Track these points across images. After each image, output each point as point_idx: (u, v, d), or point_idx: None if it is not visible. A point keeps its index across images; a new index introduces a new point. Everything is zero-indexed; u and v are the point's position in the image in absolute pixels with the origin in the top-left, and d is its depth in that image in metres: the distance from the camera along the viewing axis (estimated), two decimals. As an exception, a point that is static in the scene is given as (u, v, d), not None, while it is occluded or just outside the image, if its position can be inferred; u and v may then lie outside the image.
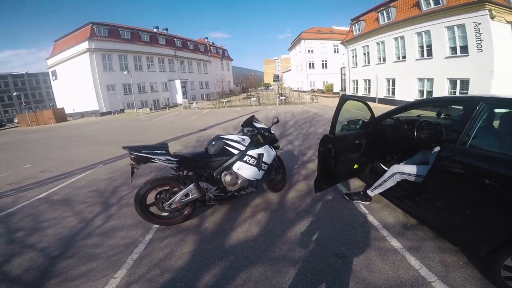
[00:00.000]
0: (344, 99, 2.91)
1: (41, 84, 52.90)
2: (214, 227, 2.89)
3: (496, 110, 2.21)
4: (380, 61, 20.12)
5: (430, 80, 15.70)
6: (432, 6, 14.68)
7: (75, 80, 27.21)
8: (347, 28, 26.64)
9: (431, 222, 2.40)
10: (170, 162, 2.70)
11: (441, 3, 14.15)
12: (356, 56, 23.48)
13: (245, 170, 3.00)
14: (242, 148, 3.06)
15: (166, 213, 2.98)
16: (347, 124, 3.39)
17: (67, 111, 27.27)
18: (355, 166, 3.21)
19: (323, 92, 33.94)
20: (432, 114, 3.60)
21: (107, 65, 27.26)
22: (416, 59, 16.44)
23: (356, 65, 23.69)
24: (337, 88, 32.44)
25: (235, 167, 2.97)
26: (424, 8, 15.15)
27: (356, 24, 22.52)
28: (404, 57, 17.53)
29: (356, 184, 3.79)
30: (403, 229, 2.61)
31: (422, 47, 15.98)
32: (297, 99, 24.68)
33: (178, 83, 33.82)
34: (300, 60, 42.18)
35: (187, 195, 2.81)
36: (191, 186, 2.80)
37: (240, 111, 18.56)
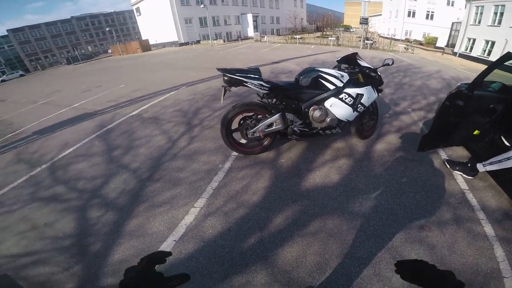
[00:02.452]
0: (509, 56, 2.24)
1: (127, 20, 59.10)
2: (291, 165, 2.81)
3: None
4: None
5: None
6: None
7: (157, 14, 29.43)
8: None
9: None
10: (262, 87, 2.58)
11: None
12: (481, 13, 19.31)
13: (338, 109, 2.76)
14: (339, 84, 2.75)
15: (245, 141, 2.99)
16: (483, 84, 2.71)
17: (150, 42, 30.87)
18: (476, 132, 2.69)
19: (421, 44, 28.39)
20: None
21: (184, 0, 28.37)
22: None
23: (479, 23, 19.48)
24: (441, 43, 26.37)
25: (327, 103, 2.75)
26: None
27: None
28: None
29: (459, 152, 3.19)
30: (503, 216, 2.19)
31: None
32: (387, 45, 21.14)
33: (250, 17, 33.67)
34: (396, 6, 34.65)
35: (271, 124, 2.72)
36: (277, 116, 2.69)
37: (314, 49, 17.01)
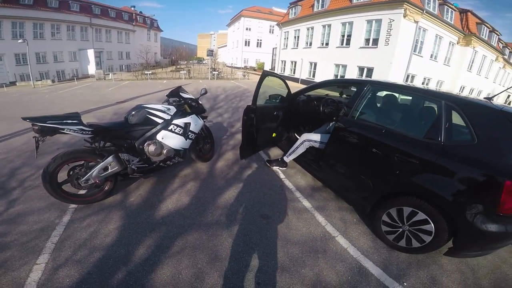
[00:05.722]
0: (264, 74, 3.17)
1: None
2: (141, 201, 2.78)
3: (379, 92, 2.79)
4: (307, 45, 21.80)
5: (344, 66, 18.11)
6: (362, -1, 16.33)
7: None
8: (285, 11, 27.57)
9: (331, 183, 2.91)
10: (84, 132, 2.39)
11: (370, -3, 15.88)
12: (287, 38, 24.77)
13: (170, 140, 2.93)
14: (167, 117, 2.95)
15: (84, 191, 2.72)
16: (269, 98, 3.72)
17: None
18: (273, 134, 3.63)
19: (255, 70, 34.69)
20: (336, 94, 4.29)
21: None
22: (337, 47, 18.51)
23: (287, 47, 25.06)
24: (267, 67, 33.81)
25: (159, 136, 2.87)
26: (354, 0, 16.78)
27: (294, 8, 23.48)
28: (327, 43, 19.45)
29: (276, 153, 4.28)
30: (311, 191, 3.12)
31: (343, 36, 17.97)
32: (230, 74, 24.52)
33: (91, 53, 29.18)
34: (237, 37, 41.72)
35: (105, 168, 2.57)
36: (110, 158, 2.56)
37: (166, 84, 17.31)
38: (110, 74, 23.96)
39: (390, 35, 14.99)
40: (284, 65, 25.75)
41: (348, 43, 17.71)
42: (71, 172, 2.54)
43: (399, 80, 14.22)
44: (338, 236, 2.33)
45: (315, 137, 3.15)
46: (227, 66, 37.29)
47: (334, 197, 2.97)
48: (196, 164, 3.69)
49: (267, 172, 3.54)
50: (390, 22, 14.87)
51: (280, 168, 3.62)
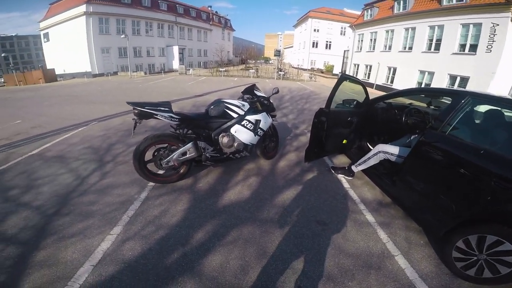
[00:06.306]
0: (343, 77, 3.03)
1: (30, 46, 52.26)
2: (208, 188, 3.02)
3: (480, 107, 2.37)
4: (385, 49, 19.95)
5: (431, 74, 15.73)
6: (454, 1, 14.29)
7: (68, 42, 26.51)
8: (358, 12, 26.09)
9: (403, 200, 2.63)
10: (173, 119, 2.74)
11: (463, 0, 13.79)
12: (362, 41, 23.28)
13: (241, 134, 3.12)
14: (241, 112, 3.16)
15: (162, 171, 3.07)
16: (342, 103, 3.53)
17: (57, 72, 26.43)
18: (344, 141, 3.43)
19: (322, 72, 33.58)
20: (423, 104, 3.77)
21: (103, 29, 26.38)
22: (422, 52, 16.31)
23: (361, 49, 23.52)
24: (337, 70, 32.20)
25: (232, 130, 3.09)
26: (444, 2, 14.74)
27: (369, 10, 22.05)
28: (410, 48, 17.36)
29: (342, 160, 4.03)
30: (378, 205, 2.86)
31: (431, 40, 15.75)
32: (296, 75, 24.33)
33: (176, 49, 32.91)
34: (304, 38, 41.03)
35: (184, 153, 2.87)
36: (190, 144, 2.86)
37: (237, 81, 18.28)
38: (190, 69, 26.91)
39: (493, 41, 12.36)
40: (357, 69, 24.15)
41: (437, 48, 15.36)
42: (155, 153, 2.91)
43: (503, 93, 11.57)
44: (398, 256, 2.14)
45: (392, 149, 2.86)
46: (293, 67, 37.14)
47: (402, 216, 2.68)
48: (259, 160, 3.80)
49: (330, 179, 3.38)
50: (494, 26, 12.29)
51: (346, 176, 3.41)
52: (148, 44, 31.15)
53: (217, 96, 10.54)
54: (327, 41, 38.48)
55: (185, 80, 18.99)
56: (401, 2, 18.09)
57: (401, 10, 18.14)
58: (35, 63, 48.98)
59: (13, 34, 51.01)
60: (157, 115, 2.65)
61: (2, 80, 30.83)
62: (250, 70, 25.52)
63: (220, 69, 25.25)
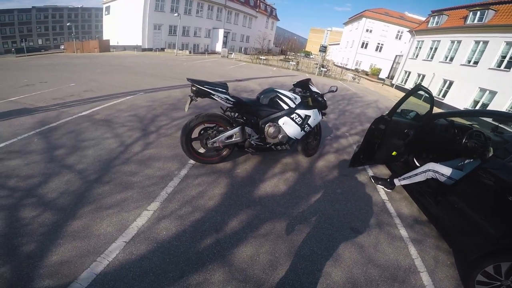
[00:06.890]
0: (418, 87, 2.88)
1: (92, 17, 56.26)
2: (245, 175, 3.02)
3: None
4: (446, 60, 18.21)
5: (493, 93, 14.07)
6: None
7: (126, 16, 28.46)
8: (422, 18, 24.15)
9: (441, 221, 2.52)
10: (228, 101, 2.76)
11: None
12: (420, 48, 21.54)
13: (288, 127, 3.09)
14: (292, 105, 3.12)
15: (203, 150, 3.11)
16: (400, 113, 3.36)
17: (111, 43, 28.97)
18: (394, 153, 3.29)
19: (366, 74, 32.00)
20: (481, 128, 3.46)
21: (159, 6, 27.75)
22: (489, 68, 14.60)
23: (416, 57, 21.84)
24: (383, 74, 30.32)
25: (280, 121, 3.07)
26: None
27: (436, 17, 20.16)
28: (476, 62, 15.62)
29: (383, 171, 3.89)
30: (413, 222, 2.78)
31: (504, 57, 14.01)
32: (339, 74, 23.36)
33: (221, 32, 33.69)
34: (353, 37, 38.91)
35: (231, 136, 2.87)
36: (237, 129, 2.88)
37: (275, 72, 18.03)
38: (232, 53, 27.25)
39: None
40: (408, 76, 22.56)
41: (508, 66, 13.62)
42: (202, 132, 2.96)
43: None
44: (424, 273, 2.14)
45: (444, 170, 2.69)
46: (335, 65, 35.66)
47: (435, 235, 2.62)
48: (298, 156, 3.78)
49: (368, 188, 3.29)
50: None
51: (386, 188, 3.30)
52: (197, 24, 32.05)
53: (257, 83, 10.58)
54: (378, 43, 36.15)
55: (226, 63, 19.27)
56: (478, 13, 16.18)
57: (475, 21, 16.28)
58: (93, 34, 52.81)
59: (79, 6, 55.23)
60: (214, 95, 2.65)
61: (62, 47, 35.18)
62: (290, 62, 24.96)
63: (261, 57, 25.07)
